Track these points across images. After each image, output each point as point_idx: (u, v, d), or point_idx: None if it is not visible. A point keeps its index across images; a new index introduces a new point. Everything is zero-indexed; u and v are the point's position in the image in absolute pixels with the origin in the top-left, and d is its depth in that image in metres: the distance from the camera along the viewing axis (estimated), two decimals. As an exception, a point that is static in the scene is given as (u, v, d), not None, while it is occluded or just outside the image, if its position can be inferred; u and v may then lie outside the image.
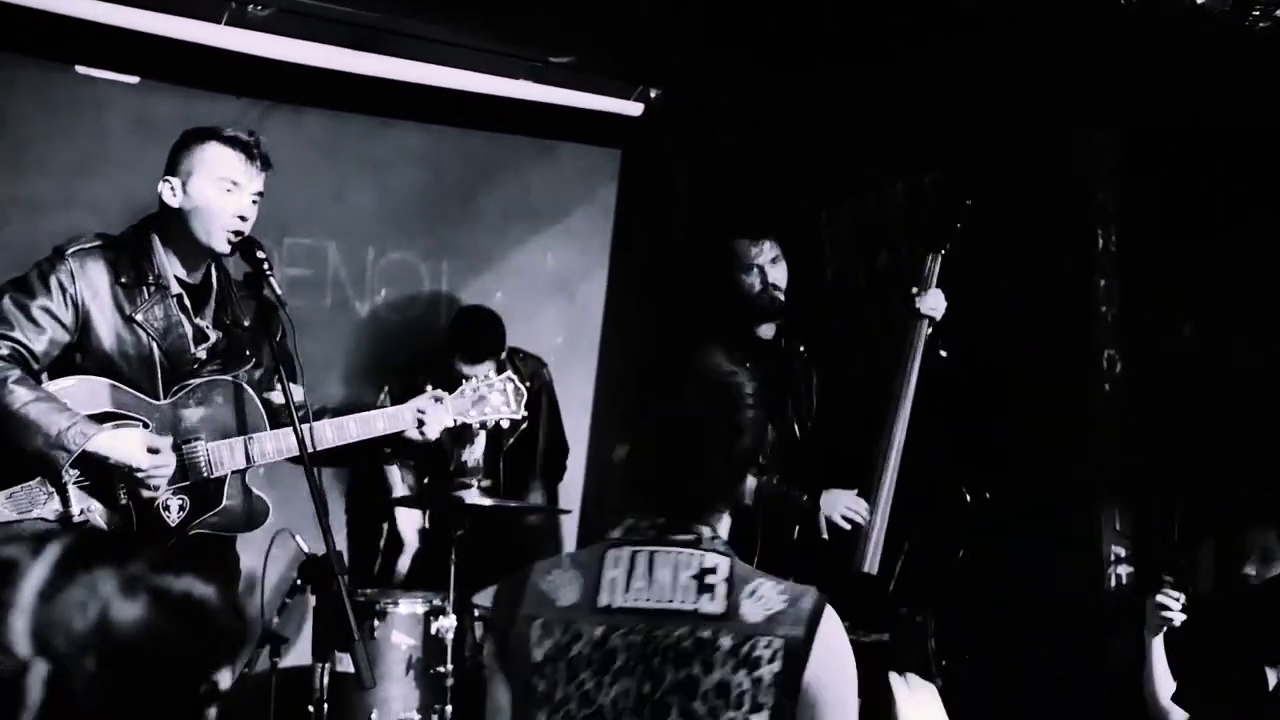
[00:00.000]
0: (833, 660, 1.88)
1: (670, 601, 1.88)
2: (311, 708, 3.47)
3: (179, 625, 0.96)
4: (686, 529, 1.94)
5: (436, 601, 3.73)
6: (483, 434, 4.34)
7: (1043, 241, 4.25)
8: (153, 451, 2.95)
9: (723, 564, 1.92)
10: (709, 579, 1.89)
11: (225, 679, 0.98)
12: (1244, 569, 3.27)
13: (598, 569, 1.93)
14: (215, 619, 0.99)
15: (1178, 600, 3.14)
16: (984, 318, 4.04)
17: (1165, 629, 3.14)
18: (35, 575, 0.94)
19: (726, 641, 1.85)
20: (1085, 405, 4.16)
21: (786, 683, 1.83)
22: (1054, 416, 4.15)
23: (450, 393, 3.31)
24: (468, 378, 3.39)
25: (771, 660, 1.83)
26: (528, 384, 3.48)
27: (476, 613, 3.86)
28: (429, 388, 3.32)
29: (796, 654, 1.84)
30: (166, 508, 3.02)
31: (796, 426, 4.01)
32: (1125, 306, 4.19)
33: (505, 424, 3.41)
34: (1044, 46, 4.04)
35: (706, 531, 1.95)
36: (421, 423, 3.25)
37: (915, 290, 3.80)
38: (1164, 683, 3.19)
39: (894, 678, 2.04)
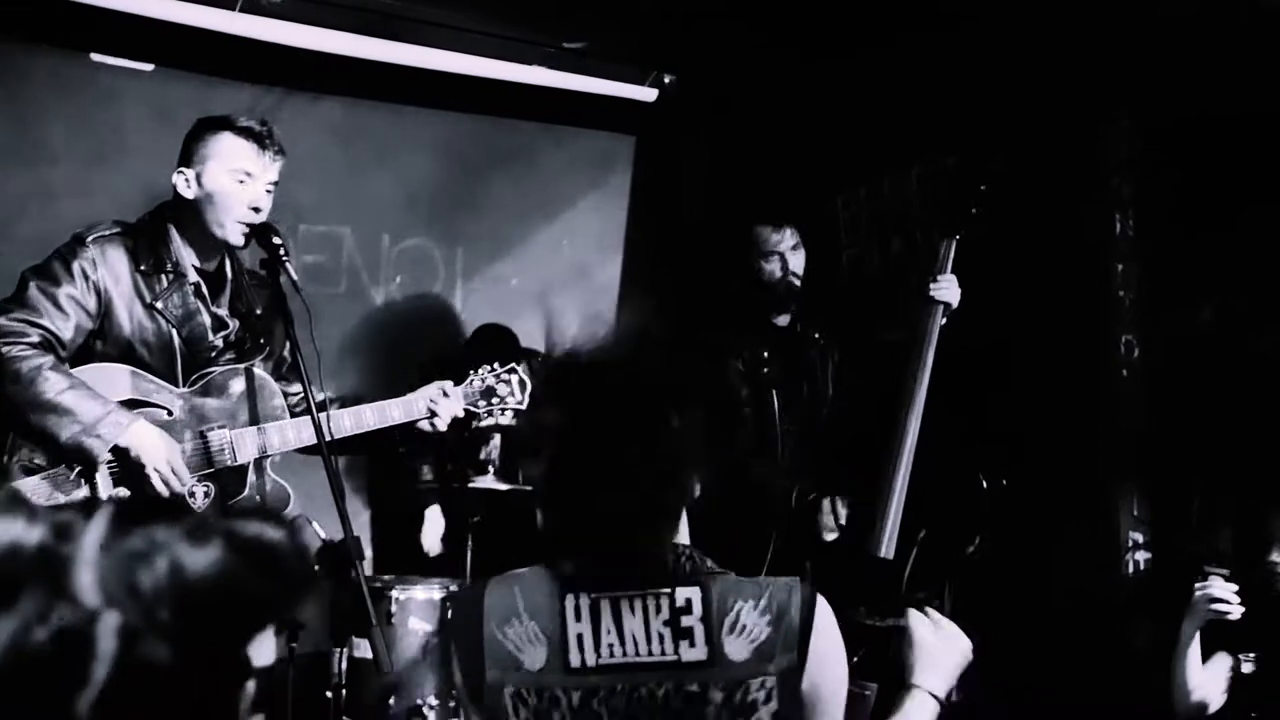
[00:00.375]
0: (826, 668, 1.74)
1: (647, 655, 1.70)
2: (330, 693, 3.48)
3: (253, 568, 0.96)
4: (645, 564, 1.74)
5: (453, 587, 3.74)
6: (498, 437, 4.33)
7: (1059, 226, 4.23)
8: (172, 469, 2.96)
9: (695, 596, 1.71)
10: (684, 620, 1.70)
11: (268, 655, 0.98)
12: (1270, 556, 3.25)
13: (559, 623, 1.73)
14: (286, 560, 0.99)
15: (1234, 592, 3.13)
16: (1000, 303, 4.02)
17: (1212, 622, 3.14)
18: (94, 532, 0.93)
19: (718, 695, 1.68)
20: (1103, 390, 4.14)
21: (786, 713, 1.70)
22: (1071, 402, 4.13)
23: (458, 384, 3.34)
24: (476, 369, 3.41)
25: (768, 700, 1.69)
26: None
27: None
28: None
29: (791, 681, 1.70)
30: (192, 495, 3.04)
31: (813, 414, 4.00)
32: (1143, 291, 4.17)
33: (511, 416, 3.42)
34: (1055, 36, 4.02)
35: (668, 555, 1.75)
36: (433, 413, 3.27)
37: (930, 276, 3.78)
38: (1196, 673, 3.19)
39: (913, 614, 1.96)
